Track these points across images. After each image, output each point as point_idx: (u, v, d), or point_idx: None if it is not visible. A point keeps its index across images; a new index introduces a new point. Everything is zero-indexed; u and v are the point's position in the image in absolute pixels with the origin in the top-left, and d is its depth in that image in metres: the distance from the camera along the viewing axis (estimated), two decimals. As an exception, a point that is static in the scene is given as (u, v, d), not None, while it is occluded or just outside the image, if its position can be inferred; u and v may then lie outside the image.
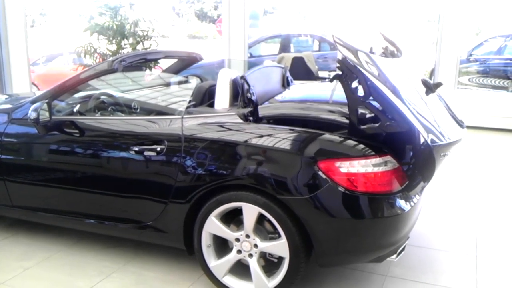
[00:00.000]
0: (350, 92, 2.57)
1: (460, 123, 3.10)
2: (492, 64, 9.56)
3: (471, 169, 5.51)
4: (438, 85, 3.05)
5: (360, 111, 2.60)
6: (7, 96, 4.53)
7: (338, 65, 2.59)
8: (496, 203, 4.38)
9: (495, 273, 3.10)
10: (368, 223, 2.50)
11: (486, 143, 6.87)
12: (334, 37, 2.64)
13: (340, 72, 2.58)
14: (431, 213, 4.01)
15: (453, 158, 6.01)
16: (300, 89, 4.03)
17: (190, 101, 3.04)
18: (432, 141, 2.49)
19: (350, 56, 2.56)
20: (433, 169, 2.61)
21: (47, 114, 3.05)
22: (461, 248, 3.44)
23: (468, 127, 3.23)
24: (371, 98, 2.53)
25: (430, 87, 3.10)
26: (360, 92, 2.55)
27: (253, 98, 2.80)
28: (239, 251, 2.69)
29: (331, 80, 2.76)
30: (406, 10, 11.41)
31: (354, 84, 2.57)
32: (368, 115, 2.68)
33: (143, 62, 3.63)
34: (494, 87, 9.11)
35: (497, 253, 3.36)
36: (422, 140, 2.48)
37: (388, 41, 3.23)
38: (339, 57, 2.61)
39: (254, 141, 2.62)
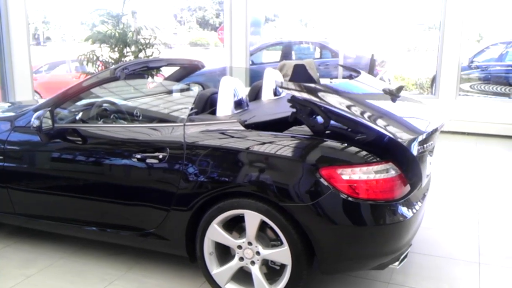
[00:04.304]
0: (311, 124, 2.65)
1: (437, 114, 3.14)
2: (493, 71, 9.56)
3: (473, 176, 5.50)
4: (400, 88, 3.05)
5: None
6: (10, 104, 4.55)
7: (290, 104, 2.68)
8: (499, 210, 4.37)
9: (498, 281, 3.09)
10: (370, 230, 2.50)
11: (487, 150, 6.86)
12: (280, 84, 2.73)
13: (294, 110, 2.68)
14: (433, 220, 4.00)
15: (454, 163, 6.02)
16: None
17: (192, 109, 3.05)
18: (404, 138, 2.50)
19: (297, 93, 2.63)
20: (417, 165, 2.61)
21: (49, 122, 3.07)
22: (464, 255, 3.43)
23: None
24: (331, 121, 2.60)
25: (393, 93, 3.08)
26: (320, 120, 2.63)
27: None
28: (241, 259, 2.69)
29: (290, 119, 2.76)
30: (407, 17, 11.45)
31: (311, 114, 2.65)
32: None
33: (145, 70, 3.65)
34: (496, 93, 9.10)
35: (500, 260, 3.35)
36: (395, 142, 2.47)
37: (347, 69, 3.28)
38: (288, 97, 2.71)
39: (256, 148, 2.63)
